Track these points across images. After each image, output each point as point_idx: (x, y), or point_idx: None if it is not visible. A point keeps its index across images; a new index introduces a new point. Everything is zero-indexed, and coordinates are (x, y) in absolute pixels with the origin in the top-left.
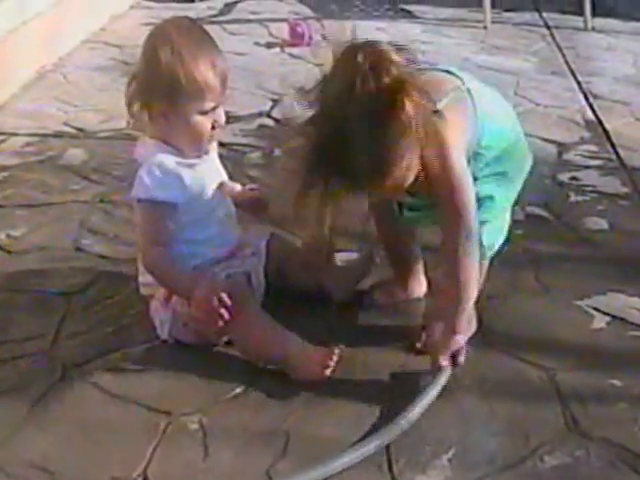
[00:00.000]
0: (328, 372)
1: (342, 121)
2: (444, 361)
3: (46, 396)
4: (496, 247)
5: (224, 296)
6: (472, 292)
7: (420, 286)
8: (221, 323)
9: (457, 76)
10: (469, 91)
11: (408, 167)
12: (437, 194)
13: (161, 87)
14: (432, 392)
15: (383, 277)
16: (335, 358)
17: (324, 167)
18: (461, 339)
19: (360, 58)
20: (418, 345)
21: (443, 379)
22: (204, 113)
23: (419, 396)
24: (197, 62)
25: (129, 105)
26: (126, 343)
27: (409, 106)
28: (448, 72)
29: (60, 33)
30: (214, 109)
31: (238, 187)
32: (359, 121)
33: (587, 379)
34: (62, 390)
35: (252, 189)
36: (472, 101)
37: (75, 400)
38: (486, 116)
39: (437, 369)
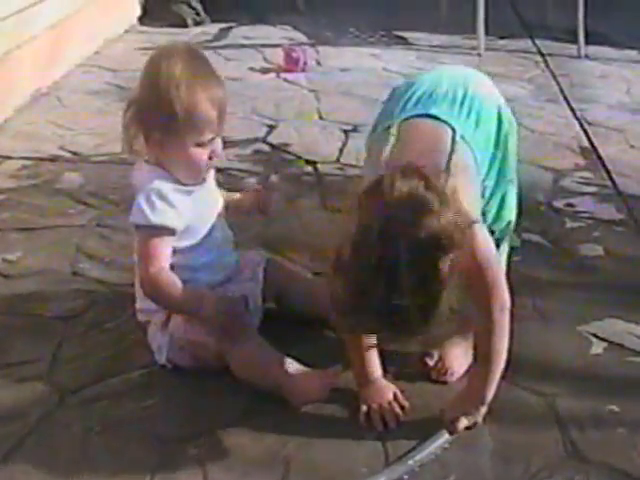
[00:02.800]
0: (325, 393)
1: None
2: (461, 427)
3: (43, 421)
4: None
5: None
6: (503, 363)
7: None
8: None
9: (446, 122)
10: (463, 138)
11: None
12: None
13: (158, 118)
14: (445, 437)
15: None
16: (332, 379)
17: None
18: (483, 410)
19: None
20: (430, 363)
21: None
22: (202, 145)
23: (431, 439)
24: (196, 95)
25: (126, 130)
26: (124, 368)
27: (452, 258)
28: (437, 118)
29: (55, 57)
30: (211, 140)
31: (236, 195)
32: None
33: (586, 405)
34: (59, 415)
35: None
36: (469, 148)
37: (73, 425)
38: (482, 153)
39: (451, 428)
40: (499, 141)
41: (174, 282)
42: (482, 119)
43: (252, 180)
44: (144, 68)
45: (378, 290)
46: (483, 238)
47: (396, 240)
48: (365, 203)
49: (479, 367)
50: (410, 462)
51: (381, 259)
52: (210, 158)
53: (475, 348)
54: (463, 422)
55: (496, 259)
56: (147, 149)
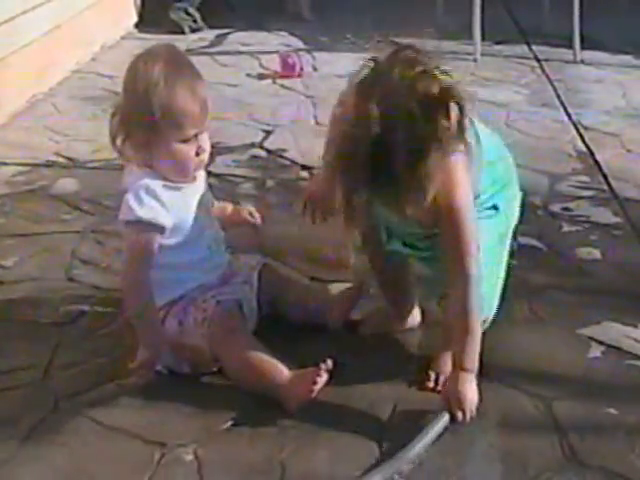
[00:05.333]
0: (316, 390)
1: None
2: (459, 415)
3: (38, 428)
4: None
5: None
6: (479, 326)
7: (414, 316)
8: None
9: None
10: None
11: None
12: (440, 220)
13: (140, 118)
14: (436, 429)
15: (377, 307)
16: (323, 376)
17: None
18: (472, 382)
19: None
20: (430, 385)
21: (447, 417)
22: (186, 141)
23: (422, 433)
24: (174, 91)
25: (113, 139)
26: (119, 374)
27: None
28: None
29: (51, 63)
30: (196, 136)
31: (229, 208)
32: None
33: (584, 408)
34: (55, 422)
35: (247, 217)
36: (471, 155)
37: (68, 432)
38: (483, 167)
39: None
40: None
41: (143, 292)
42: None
43: (248, 185)
44: (124, 74)
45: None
46: (461, 177)
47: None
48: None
49: (456, 336)
50: (410, 454)
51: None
52: (197, 154)
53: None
54: (460, 413)
55: (468, 204)
56: (135, 152)
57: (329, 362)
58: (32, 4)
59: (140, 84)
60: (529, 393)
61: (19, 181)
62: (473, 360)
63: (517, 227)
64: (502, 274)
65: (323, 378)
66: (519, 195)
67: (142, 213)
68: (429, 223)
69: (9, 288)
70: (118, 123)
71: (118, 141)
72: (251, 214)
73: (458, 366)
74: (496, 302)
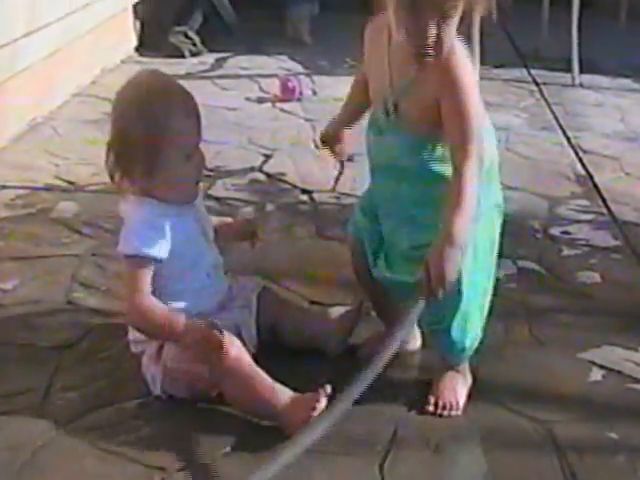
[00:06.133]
0: (315, 414)
1: None
2: (438, 286)
3: (37, 453)
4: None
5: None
6: (471, 201)
7: (414, 339)
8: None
9: None
10: None
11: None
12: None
13: (136, 148)
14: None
15: (377, 331)
16: (322, 401)
17: None
18: (456, 258)
19: None
20: (430, 409)
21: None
22: (185, 158)
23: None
24: (166, 111)
25: (111, 176)
26: (119, 398)
27: None
28: None
29: (51, 86)
30: (193, 152)
31: (230, 222)
32: None
33: (584, 432)
34: (54, 446)
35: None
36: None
37: (68, 456)
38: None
39: (427, 294)
40: None
41: (156, 309)
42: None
43: (248, 209)
44: (112, 109)
45: None
46: (463, 56)
47: None
48: None
49: (447, 208)
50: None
51: None
52: (196, 170)
53: None
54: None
55: (472, 86)
56: (134, 185)
57: (328, 387)
58: (33, 27)
59: (130, 112)
60: (529, 416)
61: (19, 204)
62: (460, 232)
63: (516, 250)
64: (488, 296)
65: (322, 404)
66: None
67: (140, 247)
68: (431, 124)
69: (8, 311)
70: (114, 162)
71: (116, 177)
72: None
73: (445, 235)
74: (482, 324)
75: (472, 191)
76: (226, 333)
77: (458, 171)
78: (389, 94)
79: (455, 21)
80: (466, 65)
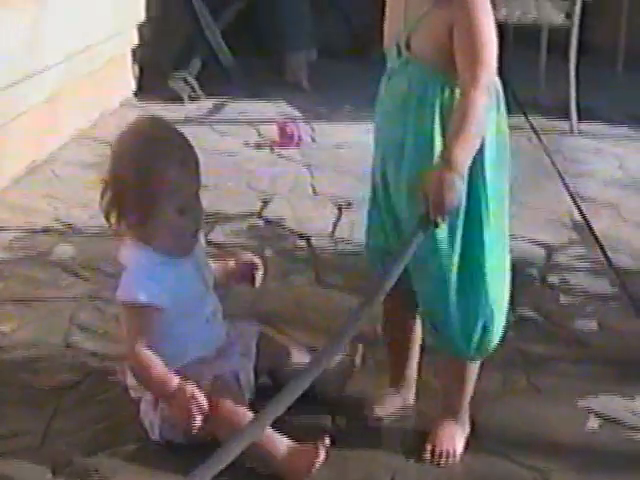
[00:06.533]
0: (315, 468)
1: None
2: (438, 216)
3: None
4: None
5: (203, 402)
6: (475, 129)
7: (413, 391)
8: (197, 423)
9: None
10: None
11: None
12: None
13: (132, 197)
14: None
15: (379, 391)
16: (321, 454)
17: None
18: (457, 184)
19: None
20: (427, 457)
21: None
22: (180, 211)
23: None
24: (164, 162)
25: (106, 216)
26: (117, 442)
27: None
28: None
29: (51, 129)
30: (190, 205)
31: (232, 264)
32: None
33: None
34: None
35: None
36: None
37: None
38: None
39: (426, 224)
40: None
41: (152, 363)
42: None
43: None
44: (111, 152)
45: None
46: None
47: None
48: None
49: (449, 131)
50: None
51: None
52: (193, 224)
53: None
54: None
55: (488, 12)
56: (130, 230)
57: (327, 440)
58: (32, 71)
59: (127, 163)
60: (527, 465)
61: (18, 246)
62: (461, 157)
63: (514, 298)
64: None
65: (321, 456)
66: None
67: (139, 295)
68: (442, 55)
69: (7, 353)
70: (110, 201)
71: (112, 218)
72: (252, 262)
73: (445, 160)
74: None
75: (478, 116)
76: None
77: (465, 95)
78: (403, 30)
79: None
80: None
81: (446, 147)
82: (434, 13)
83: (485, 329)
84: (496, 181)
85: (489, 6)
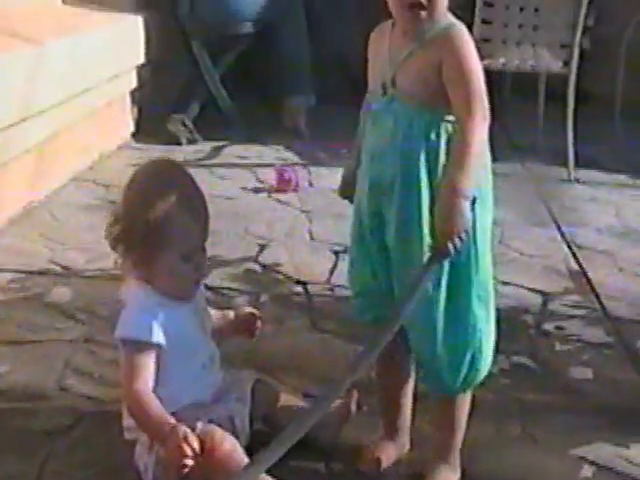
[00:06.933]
0: None
1: None
2: (449, 243)
3: None
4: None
5: (195, 444)
6: (476, 157)
7: (407, 438)
8: (188, 464)
9: None
10: None
11: None
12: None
13: (138, 236)
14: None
15: (373, 437)
16: None
17: None
18: (466, 210)
19: None
20: None
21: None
22: (185, 258)
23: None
24: (174, 209)
25: (113, 247)
26: None
27: None
28: None
29: (48, 170)
30: (196, 254)
31: (231, 314)
32: None
33: None
34: None
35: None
36: None
37: None
38: None
39: (438, 255)
40: None
41: (151, 403)
42: None
43: (242, 299)
44: (125, 187)
45: None
46: (464, 31)
47: None
48: None
49: (451, 164)
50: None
51: None
52: (196, 273)
53: None
54: (449, 243)
55: (475, 53)
56: (133, 266)
57: None
58: (30, 112)
59: (139, 202)
60: None
61: (14, 288)
62: (464, 183)
63: (509, 346)
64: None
65: None
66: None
67: (138, 332)
68: (429, 92)
69: (1, 395)
70: (117, 237)
71: (119, 250)
72: (252, 316)
73: (448, 190)
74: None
75: (479, 145)
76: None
77: (463, 126)
78: (388, 71)
79: None
80: (467, 36)
81: (448, 176)
82: (420, 53)
83: (473, 361)
84: (482, 217)
85: (472, 42)
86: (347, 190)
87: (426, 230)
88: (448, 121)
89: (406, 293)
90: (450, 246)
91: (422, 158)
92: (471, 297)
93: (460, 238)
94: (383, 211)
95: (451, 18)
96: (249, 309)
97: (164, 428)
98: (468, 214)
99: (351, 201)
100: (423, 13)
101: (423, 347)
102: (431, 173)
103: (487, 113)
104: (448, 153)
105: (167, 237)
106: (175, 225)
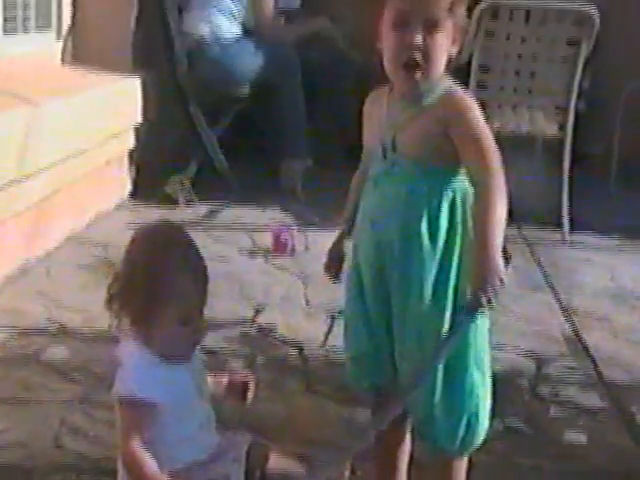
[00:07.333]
0: None
1: None
2: (483, 297)
3: None
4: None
5: None
6: (501, 210)
7: None
8: None
9: None
10: None
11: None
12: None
13: (139, 300)
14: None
15: None
16: None
17: None
18: (497, 266)
19: None
20: None
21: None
22: (183, 322)
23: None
24: (173, 272)
25: (111, 307)
26: None
27: None
28: None
29: (46, 229)
30: (194, 317)
31: (224, 380)
32: None
33: None
34: None
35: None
36: None
37: None
38: None
39: (474, 307)
40: None
41: (147, 462)
42: None
43: (237, 362)
44: (127, 246)
45: None
46: (465, 95)
47: None
48: None
49: (477, 219)
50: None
51: None
52: (194, 334)
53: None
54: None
55: (483, 125)
56: (131, 327)
57: None
58: (28, 171)
59: (139, 264)
60: None
61: (9, 347)
62: (497, 230)
63: (503, 410)
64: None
65: None
66: None
67: (136, 390)
68: (431, 151)
69: None
70: (116, 295)
71: (116, 310)
72: (244, 383)
73: (480, 243)
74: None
75: (501, 196)
76: None
77: (482, 183)
78: (387, 135)
79: (442, 37)
80: (469, 98)
81: (475, 233)
82: (423, 115)
83: (470, 424)
84: None
85: (474, 103)
86: (332, 265)
87: (427, 287)
88: (450, 183)
89: (438, 348)
90: (486, 301)
91: (424, 220)
92: (468, 361)
93: (495, 290)
94: (385, 270)
95: (449, 81)
96: (242, 375)
97: None
98: (502, 266)
99: (335, 277)
100: (419, 73)
101: (420, 409)
102: (431, 231)
103: (501, 164)
104: (450, 215)
105: (166, 300)
106: (175, 288)
